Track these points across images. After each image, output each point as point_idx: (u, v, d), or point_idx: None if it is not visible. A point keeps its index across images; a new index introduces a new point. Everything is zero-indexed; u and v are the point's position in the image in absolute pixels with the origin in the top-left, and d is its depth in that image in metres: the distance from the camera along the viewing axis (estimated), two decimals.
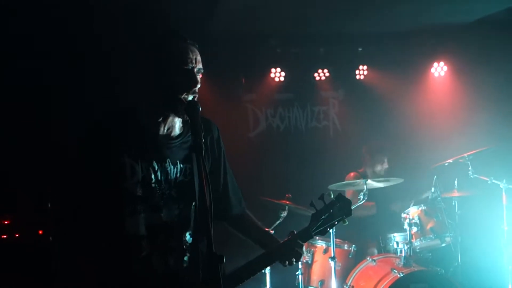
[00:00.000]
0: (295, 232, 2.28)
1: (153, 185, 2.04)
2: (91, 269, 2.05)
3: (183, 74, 2.01)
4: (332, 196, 2.32)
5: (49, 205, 3.70)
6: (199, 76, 2.05)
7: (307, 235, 2.27)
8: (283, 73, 5.83)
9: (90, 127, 2.10)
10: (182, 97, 2.00)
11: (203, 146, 1.84)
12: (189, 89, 2.01)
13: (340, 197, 2.33)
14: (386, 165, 5.00)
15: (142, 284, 2.02)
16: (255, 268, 2.19)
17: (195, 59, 2.05)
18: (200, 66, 2.06)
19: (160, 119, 2.06)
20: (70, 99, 4.61)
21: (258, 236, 2.36)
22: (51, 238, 3.82)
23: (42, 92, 4.57)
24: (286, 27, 5.41)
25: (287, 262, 2.23)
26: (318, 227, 2.27)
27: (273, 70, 5.81)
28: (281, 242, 2.27)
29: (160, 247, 2.05)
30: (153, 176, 2.04)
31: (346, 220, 2.33)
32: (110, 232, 2.04)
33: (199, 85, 2.03)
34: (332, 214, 2.29)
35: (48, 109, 4.53)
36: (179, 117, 2.06)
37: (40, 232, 3.87)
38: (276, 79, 5.84)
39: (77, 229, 2.05)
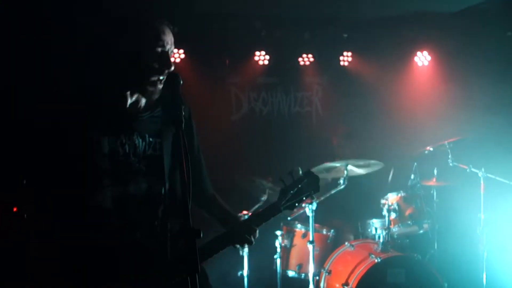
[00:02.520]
0: (259, 211, 2.34)
1: (121, 158, 2.02)
2: (63, 243, 2.01)
3: (156, 56, 1.97)
4: (300, 173, 2.35)
5: (25, 182, 3.61)
6: (172, 59, 2.02)
7: (277, 210, 2.30)
8: (267, 57, 5.78)
9: (55, 102, 2.06)
10: (154, 79, 1.98)
11: (183, 120, 1.81)
12: (162, 73, 1.99)
13: (309, 173, 2.35)
14: (347, 152, 5.06)
15: (110, 257, 1.99)
16: (213, 248, 2.18)
17: (169, 40, 2.02)
18: (172, 47, 2.03)
19: (127, 93, 2.04)
20: (37, 74, 4.49)
21: (224, 216, 2.36)
22: (25, 215, 3.74)
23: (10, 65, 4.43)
24: (271, 10, 5.36)
25: (238, 246, 2.26)
26: (286, 201, 2.31)
27: (257, 53, 5.76)
28: (238, 223, 2.29)
29: (129, 220, 2.03)
30: (120, 149, 2.02)
31: (314, 196, 2.38)
32: (78, 206, 2.00)
33: (172, 68, 2.00)
34: (300, 189, 2.32)
35: (16, 85, 4.40)
36: (145, 97, 2.05)
37: (15, 209, 3.79)
38: (260, 62, 5.79)
39: (47, 204, 2.03)
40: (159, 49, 1.98)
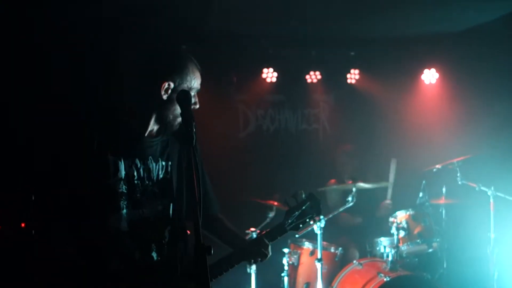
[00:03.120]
0: (267, 230, 2.43)
1: (135, 181, 2.07)
2: (71, 264, 2.02)
3: (181, 92, 2.03)
4: (303, 196, 2.51)
5: (33, 198, 3.62)
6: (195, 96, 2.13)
7: (282, 230, 2.44)
8: (275, 74, 5.81)
9: (75, 123, 2.11)
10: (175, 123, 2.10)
11: (194, 136, 1.82)
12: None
13: (311, 196, 2.51)
14: (349, 169, 5.04)
15: (122, 278, 2.02)
16: (225, 266, 2.25)
17: (197, 82, 2.13)
18: (198, 88, 2.15)
19: (146, 121, 2.11)
20: (56, 93, 4.53)
21: (230, 238, 2.41)
22: (33, 231, 3.75)
23: (28, 84, 4.48)
24: (279, 28, 5.40)
25: (252, 261, 2.33)
26: (291, 223, 2.46)
27: (265, 70, 5.80)
28: (250, 240, 2.38)
29: (141, 241, 2.07)
30: (135, 173, 2.07)
31: (315, 218, 2.51)
32: (93, 228, 2.03)
33: (197, 106, 2.13)
34: (304, 211, 2.48)
35: (33, 102, 4.44)
36: (166, 132, 2.15)
37: (23, 225, 3.79)
38: (268, 80, 5.82)
39: (59, 223, 2.03)
40: (186, 86, 2.07)
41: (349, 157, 5.21)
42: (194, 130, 1.86)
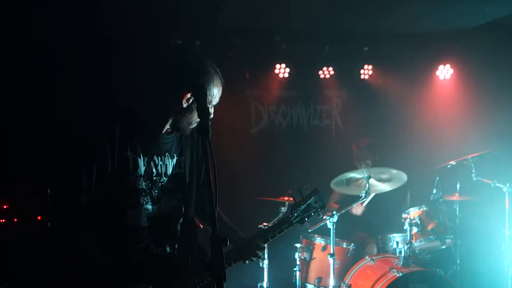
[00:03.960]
0: (273, 223, 2.53)
1: (154, 178, 2.12)
2: (88, 257, 2.04)
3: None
4: (308, 190, 2.59)
5: (49, 191, 3.67)
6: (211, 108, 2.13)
7: (288, 223, 2.53)
8: (287, 70, 5.80)
9: (95, 120, 2.14)
10: (187, 105, 2.11)
11: (209, 129, 1.83)
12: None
13: (315, 191, 2.60)
14: (369, 164, 4.98)
15: (137, 270, 2.06)
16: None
17: (216, 95, 2.16)
18: (216, 100, 2.17)
19: (162, 123, 2.15)
20: (76, 92, 4.58)
21: (227, 233, 2.36)
22: (49, 224, 3.79)
23: (48, 82, 4.53)
24: (292, 24, 5.39)
25: (247, 262, 2.38)
26: (297, 216, 2.55)
27: (277, 66, 5.78)
28: (246, 238, 2.41)
29: (157, 236, 2.13)
30: (154, 170, 2.12)
31: (320, 213, 2.60)
32: (111, 223, 2.07)
33: (211, 116, 2.09)
34: (309, 205, 2.56)
35: (52, 98, 4.49)
36: (179, 130, 2.18)
37: (39, 217, 3.84)
38: (281, 75, 5.81)
39: (77, 219, 2.04)
40: (210, 106, 2.08)
41: (370, 151, 5.11)
42: (210, 123, 1.87)
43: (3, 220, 3.78)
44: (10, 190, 3.94)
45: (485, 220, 4.70)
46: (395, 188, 4.43)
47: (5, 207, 3.83)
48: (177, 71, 2.09)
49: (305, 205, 2.53)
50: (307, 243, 4.43)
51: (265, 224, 4.18)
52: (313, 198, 2.56)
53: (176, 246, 2.19)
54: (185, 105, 2.09)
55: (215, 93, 2.13)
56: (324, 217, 3.97)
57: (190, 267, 2.13)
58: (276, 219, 4.37)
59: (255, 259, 2.39)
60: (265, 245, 2.48)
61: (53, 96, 4.46)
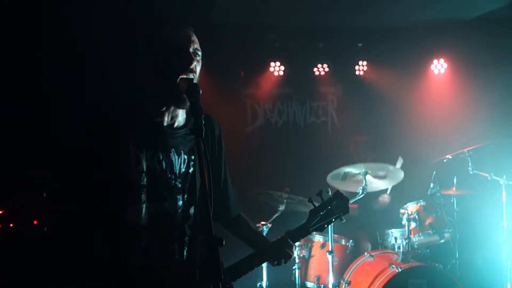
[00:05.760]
0: (291, 230, 2.28)
1: (157, 174, 2.01)
2: (87, 258, 2.00)
3: (177, 53, 1.97)
4: (329, 193, 2.33)
5: (45, 195, 3.64)
6: (197, 58, 2.01)
7: (305, 231, 2.28)
8: (282, 67, 5.79)
9: (95, 115, 2.06)
10: (179, 78, 1.96)
11: (203, 128, 1.80)
12: (185, 69, 1.96)
13: (338, 194, 2.33)
14: (367, 160, 4.99)
15: (139, 274, 1.98)
16: (246, 267, 2.18)
17: (192, 40, 2.01)
18: (196, 46, 2.02)
19: (163, 109, 2.04)
20: (72, 88, 4.56)
21: (252, 238, 2.35)
22: (45, 228, 3.77)
23: (43, 80, 4.51)
24: (286, 21, 5.38)
25: (275, 262, 2.24)
26: (315, 223, 2.28)
27: (272, 64, 5.78)
28: (273, 241, 2.27)
29: (161, 237, 2.02)
30: (157, 166, 2.01)
31: (343, 218, 2.33)
32: (110, 220, 1.99)
33: (194, 63, 1.99)
34: (329, 211, 2.29)
35: (48, 96, 4.47)
36: (179, 107, 2.03)
37: (35, 222, 3.82)
38: (276, 73, 5.80)
39: (75, 216, 2.00)
40: (181, 46, 1.97)
41: (365, 148, 5.14)
42: (204, 122, 1.82)
43: None
44: (5, 195, 3.92)
45: (483, 213, 4.70)
46: (391, 186, 4.43)
47: (0, 212, 3.81)
48: (163, 56, 2.00)
49: (325, 210, 2.28)
50: (306, 241, 4.41)
51: (263, 223, 4.18)
52: (334, 202, 2.29)
53: (185, 252, 2.05)
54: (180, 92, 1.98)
55: (184, 35, 2.01)
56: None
57: (198, 277, 2.02)
58: (274, 217, 4.36)
59: (285, 260, 2.23)
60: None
61: (48, 95, 4.44)
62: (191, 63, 1.97)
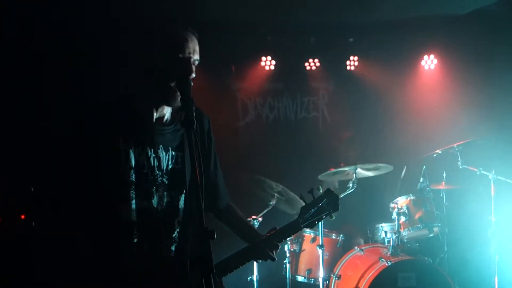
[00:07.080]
0: (282, 227, 2.32)
1: (145, 171, 2.01)
2: (75, 254, 2.00)
3: (178, 62, 1.96)
4: (320, 191, 2.39)
5: (32, 189, 3.61)
6: (195, 64, 2.02)
7: (296, 227, 2.33)
8: (273, 62, 5.78)
9: (85, 111, 2.05)
10: (173, 85, 1.96)
11: (194, 120, 1.79)
12: (184, 77, 1.96)
13: (329, 192, 2.38)
14: (352, 156, 5.05)
15: (130, 271, 1.98)
16: (237, 262, 2.20)
17: (193, 49, 2.01)
18: (197, 57, 2.02)
19: (153, 105, 2.03)
20: (61, 84, 4.52)
21: (242, 229, 2.37)
22: (33, 223, 3.74)
23: (30, 75, 4.46)
24: (277, 16, 5.36)
25: (260, 261, 2.27)
26: (306, 219, 2.34)
27: (263, 58, 5.76)
28: (263, 237, 2.28)
29: (150, 234, 2.02)
30: (145, 163, 2.01)
31: (333, 215, 2.39)
32: (100, 217, 1.99)
33: (193, 75, 1.99)
34: (320, 208, 2.35)
35: (37, 92, 4.42)
36: (170, 106, 2.03)
37: (23, 216, 3.78)
38: (267, 68, 5.79)
39: (64, 214, 2.00)
40: (183, 55, 1.97)
41: (351, 144, 5.20)
42: (194, 114, 1.82)
43: None
44: None
45: (472, 207, 4.74)
46: (380, 174, 4.46)
47: None
48: (154, 51, 1.99)
49: (316, 207, 2.33)
50: (296, 235, 4.42)
51: (254, 217, 4.17)
52: (325, 200, 2.34)
53: (173, 248, 2.05)
54: (172, 85, 1.97)
55: (187, 41, 2.00)
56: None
57: (188, 272, 2.01)
58: (265, 211, 4.36)
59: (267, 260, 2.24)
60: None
61: (37, 91, 4.40)
62: (190, 75, 1.97)
